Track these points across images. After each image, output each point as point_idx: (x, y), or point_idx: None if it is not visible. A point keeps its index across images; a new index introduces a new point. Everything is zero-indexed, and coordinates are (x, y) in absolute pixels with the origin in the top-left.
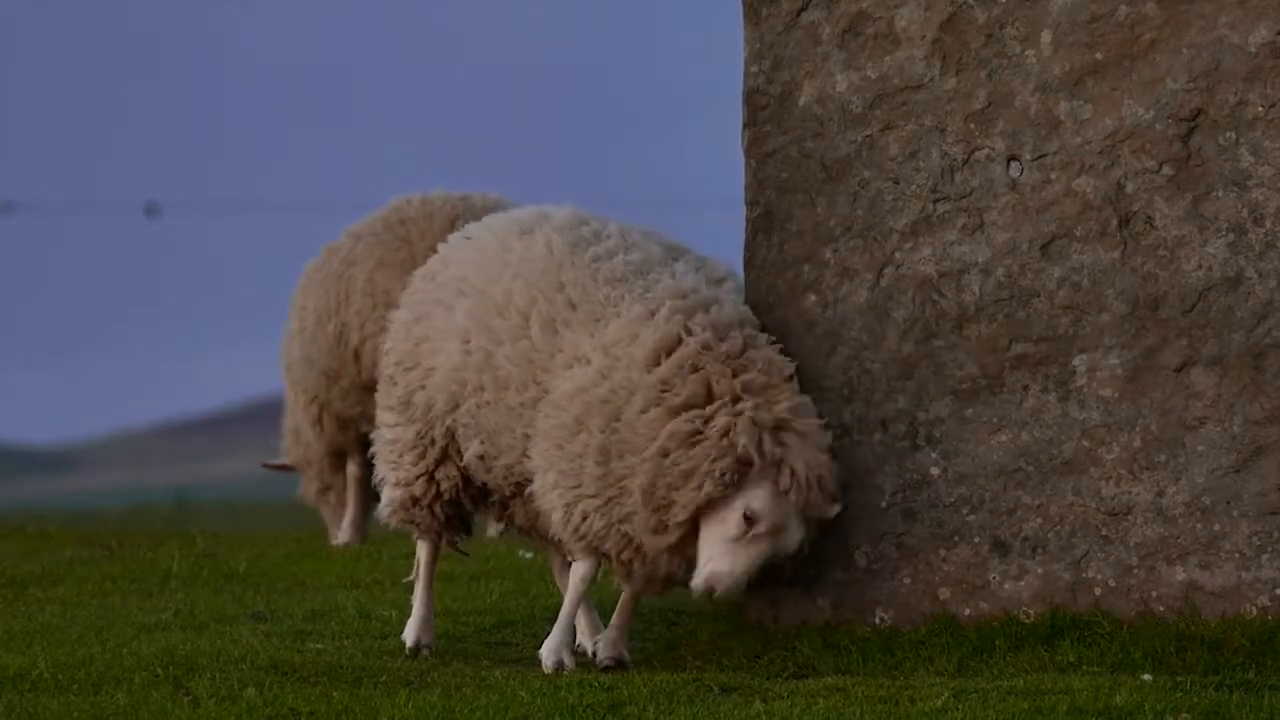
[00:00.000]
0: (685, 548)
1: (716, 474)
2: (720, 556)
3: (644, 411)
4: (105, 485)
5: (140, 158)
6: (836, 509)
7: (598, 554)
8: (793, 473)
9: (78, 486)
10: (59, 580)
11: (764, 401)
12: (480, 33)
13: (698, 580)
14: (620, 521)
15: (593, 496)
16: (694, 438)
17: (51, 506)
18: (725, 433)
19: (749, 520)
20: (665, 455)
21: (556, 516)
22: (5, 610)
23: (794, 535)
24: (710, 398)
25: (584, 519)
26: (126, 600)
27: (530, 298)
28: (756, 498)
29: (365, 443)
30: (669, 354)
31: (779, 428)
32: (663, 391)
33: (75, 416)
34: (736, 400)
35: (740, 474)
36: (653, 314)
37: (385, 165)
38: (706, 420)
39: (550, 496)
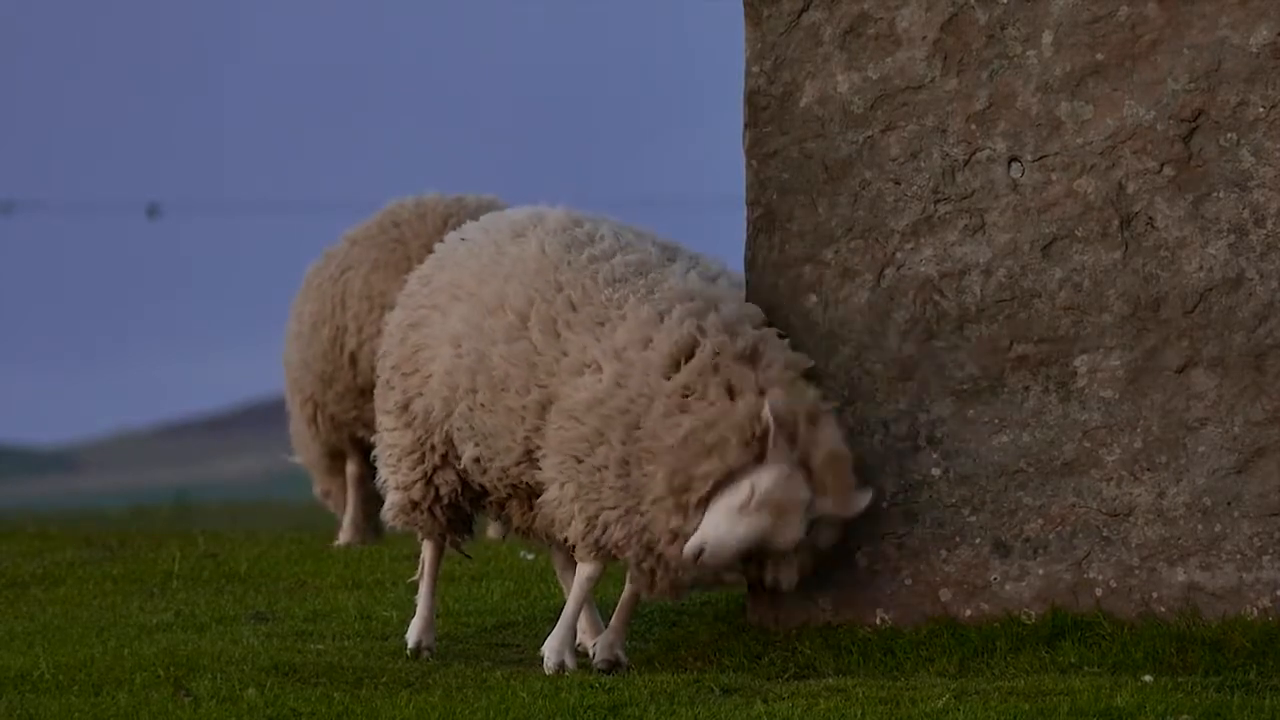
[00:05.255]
0: None
1: (745, 437)
2: (718, 522)
3: (667, 417)
4: (106, 486)
5: (142, 159)
6: (866, 497)
7: (612, 560)
8: (830, 454)
9: (79, 487)
10: (60, 581)
11: (795, 391)
12: (481, 33)
13: (692, 541)
14: (641, 530)
15: (613, 508)
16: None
17: (52, 507)
18: (754, 415)
19: (754, 492)
20: (692, 433)
21: (577, 528)
22: (6, 611)
23: (793, 528)
24: (733, 396)
25: (604, 530)
26: (127, 601)
27: (527, 298)
28: (768, 473)
29: (362, 444)
30: (687, 358)
31: (812, 417)
32: (685, 397)
33: (76, 416)
34: (763, 393)
35: (763, 447)
36: (662, 317)
37: (387, 166)
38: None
39: (569, 508)
